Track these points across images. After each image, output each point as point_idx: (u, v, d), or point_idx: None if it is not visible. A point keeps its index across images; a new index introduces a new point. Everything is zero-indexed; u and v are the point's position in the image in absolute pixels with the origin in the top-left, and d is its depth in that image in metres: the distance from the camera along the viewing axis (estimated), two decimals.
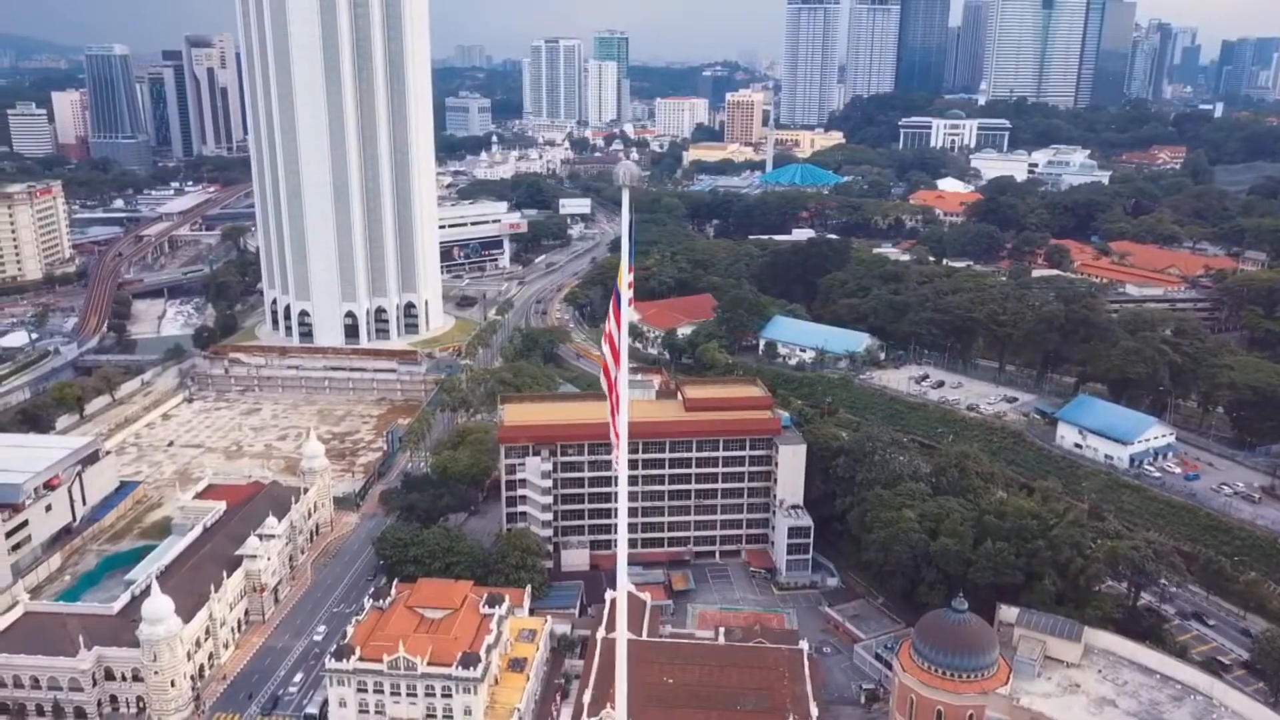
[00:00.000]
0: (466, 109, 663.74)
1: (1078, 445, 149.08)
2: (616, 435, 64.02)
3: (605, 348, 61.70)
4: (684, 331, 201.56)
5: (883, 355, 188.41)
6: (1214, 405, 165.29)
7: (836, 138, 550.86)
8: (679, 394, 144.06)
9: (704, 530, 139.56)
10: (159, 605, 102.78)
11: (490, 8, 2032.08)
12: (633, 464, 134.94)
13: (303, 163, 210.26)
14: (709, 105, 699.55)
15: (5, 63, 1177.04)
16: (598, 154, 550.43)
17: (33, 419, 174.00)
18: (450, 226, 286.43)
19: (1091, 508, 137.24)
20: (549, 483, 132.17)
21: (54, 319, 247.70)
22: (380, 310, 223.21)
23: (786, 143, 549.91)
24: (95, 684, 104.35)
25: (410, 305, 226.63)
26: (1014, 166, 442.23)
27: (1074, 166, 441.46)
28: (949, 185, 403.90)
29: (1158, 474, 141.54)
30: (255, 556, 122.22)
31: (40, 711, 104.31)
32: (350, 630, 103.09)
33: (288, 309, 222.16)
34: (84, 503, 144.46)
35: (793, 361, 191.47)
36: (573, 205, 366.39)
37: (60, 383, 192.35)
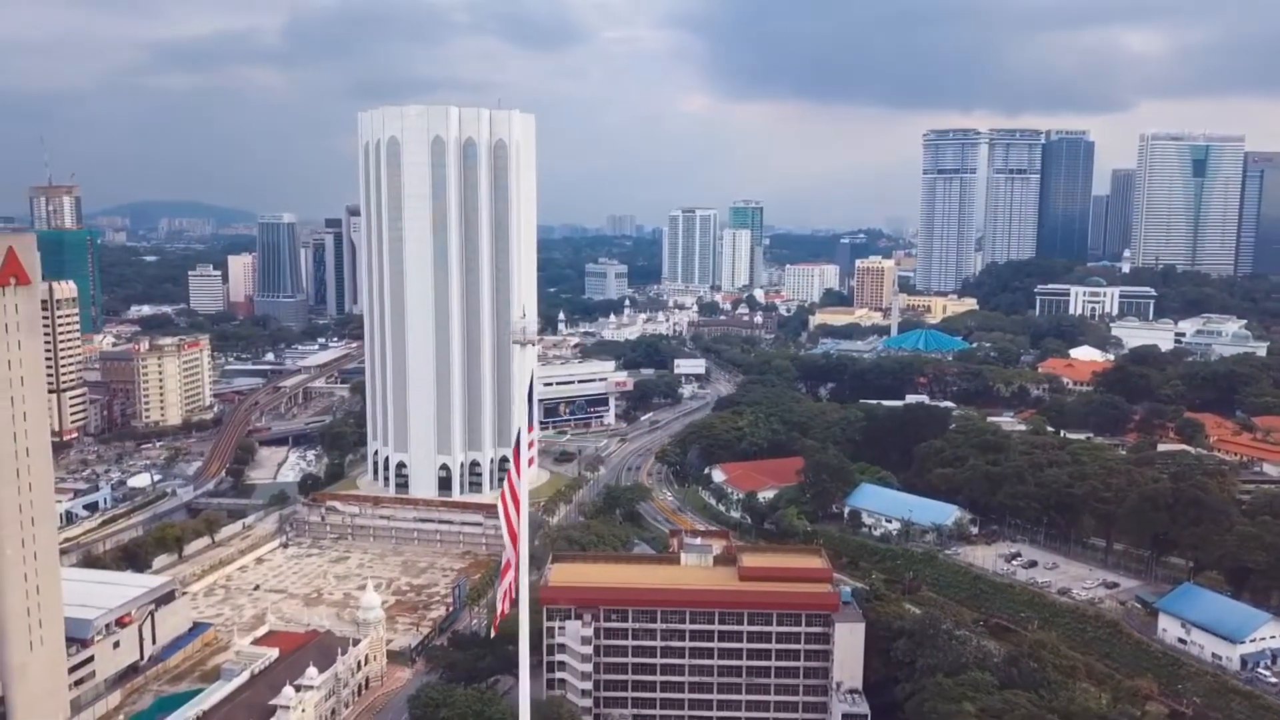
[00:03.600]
0: (604, 274, 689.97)
1: (1181, 640, 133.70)
2: (505, 598, 61.42)
3: (509, 505, 60.10)
4: (766, 495, 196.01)
5: (974, 529, 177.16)
6: None
7: (969, 304, 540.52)
8: (737, 562, 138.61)
9: (757, 711, 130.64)
10: None
11: (644, 180, 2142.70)
12: (679, 634, 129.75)
13: (408, 322, 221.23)
14: (840, 271, 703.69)
15: (207, 230, 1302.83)
16: (722, 317, 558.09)
17: (132, 557, 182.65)
18: (558, 384, 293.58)
19: (1196, 713, 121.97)
20: (589, 649, 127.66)
21: (182, 462, 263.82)
22: (474, 464, 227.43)
23: (918, 308, 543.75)
24: None
25: (504, 459, 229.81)
26: (1159, 335, 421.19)
27: (1226, 336, 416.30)
28: (1084, 354, 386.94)
29: (1275, 680, 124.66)
30: (289, 708, 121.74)
31: None
32: None
33: (387, 460, 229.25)
34: (153, 642, 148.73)
35: (878, 532, 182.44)
36: (687, 366, 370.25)
37: (162, 524, 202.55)
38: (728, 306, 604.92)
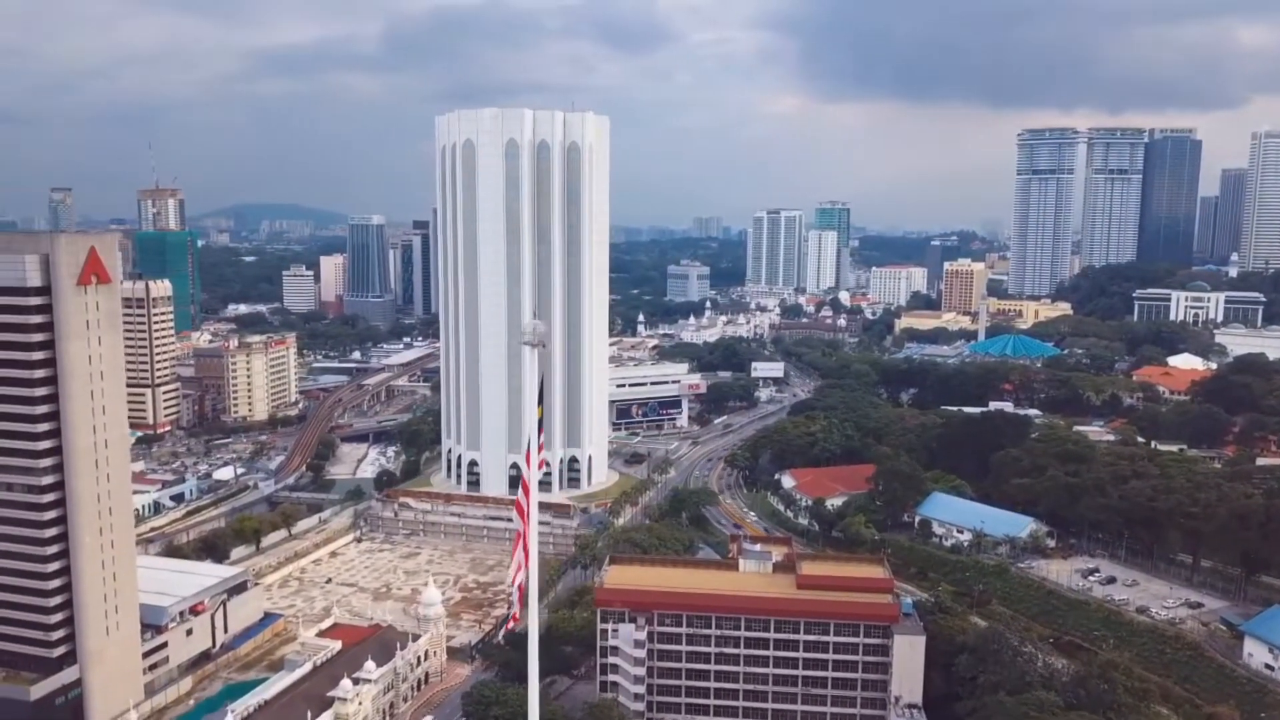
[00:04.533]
0: (686, 276, 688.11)
1: (1269, 666, 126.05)
2: (521, 593, 61.62)
3: (521, 500, 60.08)
4: (835, 502, 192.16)
5: (1051, 543, 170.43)
6: None
7: (1063, 308, 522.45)
8: (796, 569, 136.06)
9: None
10: None
11: (732, 182, 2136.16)
12: (734, 641, 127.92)
13: (482, 322, 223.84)
14: (929, 274, 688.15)
15: (305, 232, 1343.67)
16: (805, 320, 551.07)
17: (212, 548, 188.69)
18: (630, 386, 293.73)
19: None
20: (642, 652, 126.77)
21: (265, 457, 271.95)
22: (544, 463, 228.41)
23: (1008, 313, 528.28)
24: None
25: (574, 459, 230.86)
26: (1268, 343, 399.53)
27: None
28: (1183, 361, 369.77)
29: None
30: (345, 699, 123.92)
31: None
32: None
33: (460, 458, 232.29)
34: (225, 630, 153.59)
35: (948, 543, 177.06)
36: (765, 369, 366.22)
37: (241, 516, 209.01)
38: (811, 309, 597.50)
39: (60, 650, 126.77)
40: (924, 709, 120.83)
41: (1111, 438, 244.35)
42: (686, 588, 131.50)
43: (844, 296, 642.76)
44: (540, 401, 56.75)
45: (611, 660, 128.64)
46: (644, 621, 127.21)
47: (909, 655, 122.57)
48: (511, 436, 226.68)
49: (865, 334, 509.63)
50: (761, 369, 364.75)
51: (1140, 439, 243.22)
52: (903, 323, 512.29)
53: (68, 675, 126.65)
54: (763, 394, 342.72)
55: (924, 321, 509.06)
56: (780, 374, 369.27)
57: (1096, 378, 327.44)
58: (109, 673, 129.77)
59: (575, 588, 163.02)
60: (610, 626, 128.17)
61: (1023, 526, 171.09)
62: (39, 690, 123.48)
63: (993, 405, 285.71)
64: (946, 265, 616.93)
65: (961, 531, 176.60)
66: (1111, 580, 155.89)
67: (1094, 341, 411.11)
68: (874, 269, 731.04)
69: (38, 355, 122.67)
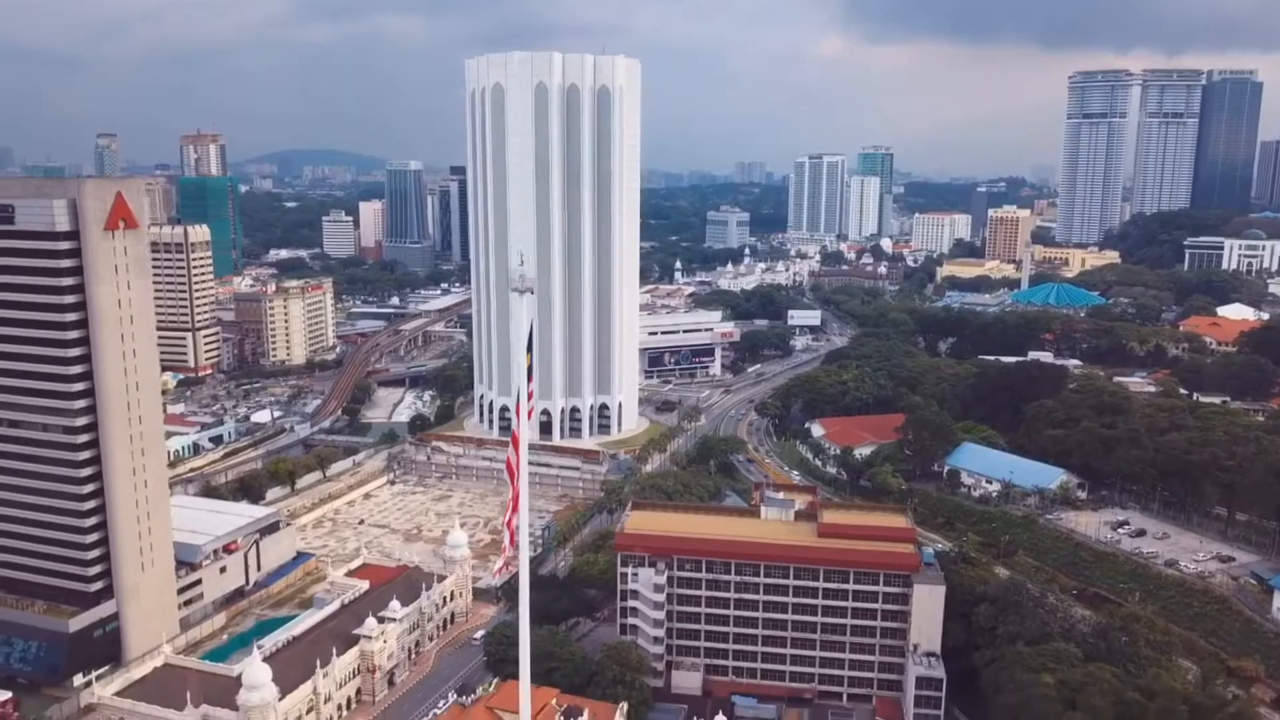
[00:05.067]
0: (726, 222, 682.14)
1: None
2: (512, 537, 62.24)
3: (511, 457, 60.26)
4: (863, 451, 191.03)
5: (1082, 494, 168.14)
6: None
7: (1111, 257, 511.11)
8: (818, 517, 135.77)
9: (831, 668, 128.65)
10: (256, 672, 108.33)
11: (776, 126, 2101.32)
12: (753, 587, 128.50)
13: (512, 268, 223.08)
14: (973, 220, 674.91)
15: (348, 178, 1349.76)
16: (845, 267, 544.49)
17: (248, 488, 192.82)
18: (663, 333, 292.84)
19: None
20: (661, 596, 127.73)
21: (302, 400, 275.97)
22: (575, 410, 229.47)
23: (1054, 260, 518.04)
24: None
25: (604, 406, 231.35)
26: None
27: None
28: (1234, 312, 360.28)
29: None
30: (371, 638, 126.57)
31: None
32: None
33: (491, 404, 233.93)
34: (258, 568, 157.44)
35: (976, 493, 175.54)
36: (801, 317, 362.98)
37: (278, 458, 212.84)
38: (852, 256, 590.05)
39: (98, 585, 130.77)
40: (942, 658, 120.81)
41: (1152, 389, 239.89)
42: (706, 534, 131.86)
43: (886, 244, 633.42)
44: (529, 349, 56.45)
45: (631, 604, 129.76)
46: (663, 566, 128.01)
47: (928, 604, 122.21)
48: (541, 383, 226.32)
49: (906, 282, 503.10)
50: (798, 317, 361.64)
51: (1183, 391, 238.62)
52: (945, 271, 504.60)
53: (105, 609, 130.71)
54: (798, 342, 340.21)
55: (967, 270, 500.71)
56: (817, 322, 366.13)
57: (1141, 328, 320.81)
58: (145, 607, 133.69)
59: (600, 532, 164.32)
60: (630, 570, 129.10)
61: (1053, 478, 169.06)
62: (78, 623, 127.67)
63: (1031, 355, 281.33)
64: (991, 212, 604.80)
65: (990, 482, 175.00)
66: (1141, 533, 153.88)
67: (1141, 291, 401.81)
68: (917, 215, 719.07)
69: (69, 299, 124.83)
